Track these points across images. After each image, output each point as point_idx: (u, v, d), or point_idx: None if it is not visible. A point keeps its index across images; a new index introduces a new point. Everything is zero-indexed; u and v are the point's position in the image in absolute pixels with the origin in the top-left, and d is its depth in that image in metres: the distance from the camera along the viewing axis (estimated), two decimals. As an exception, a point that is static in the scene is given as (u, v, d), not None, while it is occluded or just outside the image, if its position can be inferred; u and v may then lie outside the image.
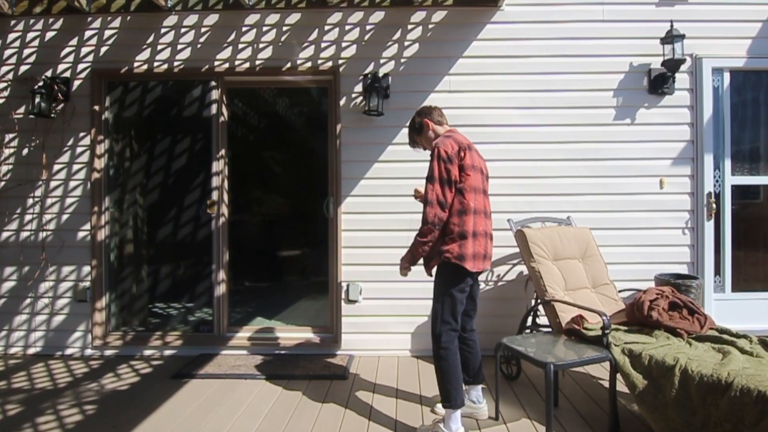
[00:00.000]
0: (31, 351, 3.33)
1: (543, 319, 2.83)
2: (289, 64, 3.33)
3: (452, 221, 2.04)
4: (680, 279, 2.95)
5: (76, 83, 3.36)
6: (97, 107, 3.36)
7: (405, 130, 3.25)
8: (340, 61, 3.31)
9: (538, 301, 2.71)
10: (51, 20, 3.37)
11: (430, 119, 2.26)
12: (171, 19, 3.35)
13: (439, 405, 2.24)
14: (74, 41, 3.37)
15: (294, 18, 3.32)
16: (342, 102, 3.30)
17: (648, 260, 3.23)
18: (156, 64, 3.36)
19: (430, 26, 3.31)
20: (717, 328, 2.34)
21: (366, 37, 3.32)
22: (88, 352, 3.32)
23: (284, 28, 3.33)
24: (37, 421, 2.32)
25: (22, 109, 3.35)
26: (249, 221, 5.25)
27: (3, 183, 3.34)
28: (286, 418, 2.34)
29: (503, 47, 3.29)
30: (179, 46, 3.36)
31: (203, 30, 3.35)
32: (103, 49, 3.37)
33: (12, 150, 3.36)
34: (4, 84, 3.37)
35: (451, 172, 2.02)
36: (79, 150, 3.36)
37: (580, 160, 3.26)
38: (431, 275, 2.17)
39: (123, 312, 3.64)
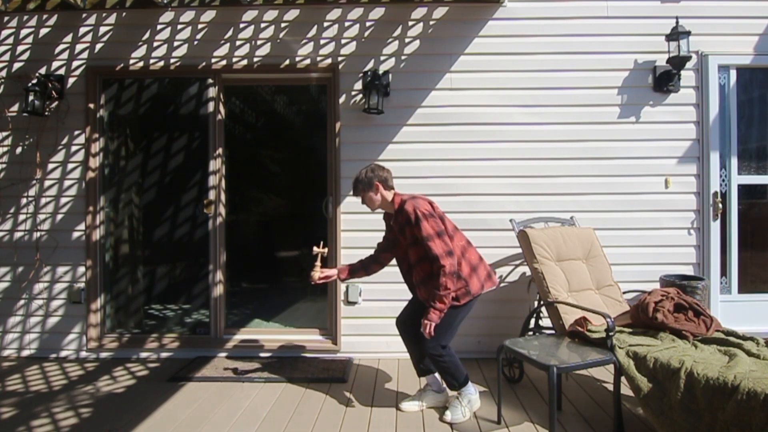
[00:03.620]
0: (25, 353, 3.29)
1: (546, 321, 2.80)
2: (287, 62, 3.28)
3: (461, 263, 2.23)
4: (686, 280, 2.92)
5: (71, 81, 3.31)
6: (92, 105, 3.31)
7: (406, 129, 3.26)
8: (340, 58, 3.27)
9: (541, 302, 2.67)
10: (45, 16, 3.33)
11: (383, 183, 2.33)
12: (167, 16, 3.30)
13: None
14: (68, 38, 3.33)
15: (292, 14, 3.28)
16: (341, 100, 3.26)
17: (653, 261, 3.19)
18: (152, 61, 3.31)
19: (431, 23, 3.26)
20: (723, 330, 2.33)
21: (366, 34, 3.27)
22: (83, 354, 3.28)
23: (282, 25, 3.29)
24: (31, 424, 2.29)
25: (15, 107, 3.31)
26: (247, 221, 5.21)
27: (-4, 182, 3.30)
28: (284, 421, 2.30)
29: (505, 44, 3.24)
30: (176, 43, 3.31)
31: (200, 26, 3.30)
32: (98, 46, 3.33)
33: (5, 148, 3.32)
34: (-3, 82, 3.32)
35: (440, 225, 2.19)
36: (73, 148, 3.31)
37: (584, 159, 3.22)
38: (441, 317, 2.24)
39: (118, 314, 3.60)
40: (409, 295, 3.15)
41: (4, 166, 3.31)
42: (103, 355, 3.28)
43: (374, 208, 2.39)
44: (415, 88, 3.24)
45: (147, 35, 3.31)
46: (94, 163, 3.32)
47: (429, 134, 3.24)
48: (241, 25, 3.29)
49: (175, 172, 4.30)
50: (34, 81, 3.20)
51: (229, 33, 3.29)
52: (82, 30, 3.32)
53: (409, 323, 2.43)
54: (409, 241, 2.25)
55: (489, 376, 2.85)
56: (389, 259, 2.49)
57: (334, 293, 3.27)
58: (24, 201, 3.30)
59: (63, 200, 3.30)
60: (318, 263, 2.43)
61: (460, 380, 2.30)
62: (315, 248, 2.46)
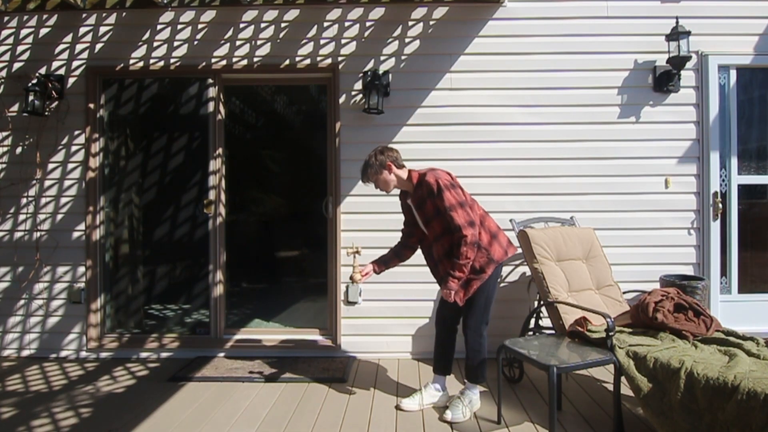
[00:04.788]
0: (25, 353, 3.29)
1: (546, 321, 2.80)
2: (287, 62, 3.28)
3: (480, 233, 2.25)
4: (686, 280, 2.93)
5: (71, 81, 3.31)
6: (92, 105, 3.31)
7: (406, 129, 3.26)
8: (340, 59, 3.27)
9: (541, 302, 2.67)
10: (45, 16, 3.32)
11: (394, 162, 2.32)
12: (167, 16, 3.30)
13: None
14: (68, 38, 3.33)
15: (292, 14, 3.28)
16: (341, 100, 3.26)
17: (653, 261, 3.19)
18: (152, 61, 3.31)
19: (431, 23, 3.26)
20: (723, 330, 2.33)
21: (366, 34, 3.27)
22: (83, 354, 3.28)
23: (282, 25, 3.28)
24: (31, 424, 2.29)
25: (15, 107, 3.31)
26: (247, 221, 5.21)
27: (-4, 182, 3.30)
28: (284, 421, 2.30)
29: (505, 44, 3.24)
30: (176, 43, 3.31)
31: (200, 26, 3.30)
32: (98, 46, 3.33)
33: (5, 148, 3.32)
34: (-2, 82, 3.32)
35: (461, 195, 2.22)
36: (73, 148, 3.31)
37: (584, 159, 3.22)
38: (466, 296, 2.27)
39: (118, 314, 3.60)
40: (408, 296, 3.17)
41: (4, 166, 3.31)
42: (103, 355, 3.28)
43: (390, 189, 2.36)
44: (415, 88, 3.24)
45: (147, 35, 3.31)
46: (94, 163, 3.32)
47: (429, 134, 3.24)
48: (241, 25, 3.29)
49: (175, 172, 4.29)
50: (34, 81, 3.20)
51: (229, 33, 3.29)
52: (82, 30, 3.32)
53: (449, 317, 2.43)
54: (430, 214, 2.25)
55: (489, 376, 2.83)
56: (417, 241, 2.48)
57: (334, 293, 3.27)
58: (24, 201, 3.30)
59: (63, 200, 3.30)
60: (355, 263, 2.41)
61: (477, 363, 2.32)
62: (347, 251, 2.46)
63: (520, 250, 3.14)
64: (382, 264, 2.48)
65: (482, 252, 2.23)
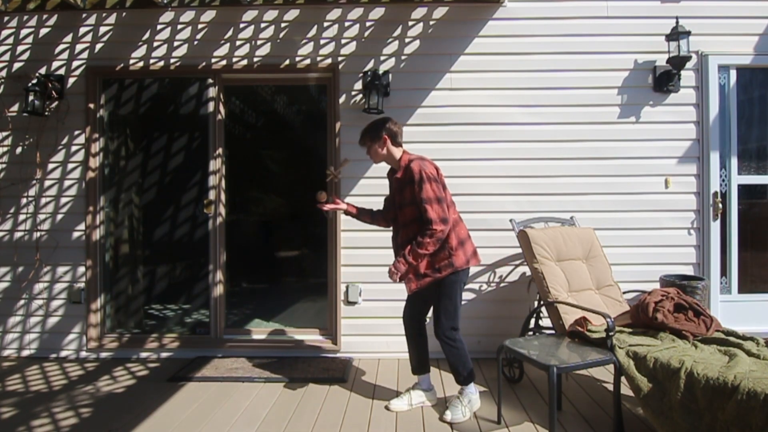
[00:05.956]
0: (25, 353, 3.29)
1: (546, 321, 2.80)
2: (287, 62, 3.28)
3: (450, 234, 2.24)
4: (686, 280, 2.92)
5: (71, 81, 3.31)
6: (92, 105, 3.31)
7: (406, 129, 3.24)
8: (340, 58, 3.27)
9: (541, 302, 2.67)
10: (45, 16, 3.33)
11: (391, 138, 2.35)
12: (167, 16, 3.30)
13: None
14: (68, 38, 3.33)
15: (292, 14, 3.28)
16: (341, 100, 3.26)
17: (653, 261, 3.19)
18: (152, 61, 3.31)
19: (431, 23, 3.26)
20: (723, 330, 2.33)
21: (366, 34, 3.27)
22: (83, 354, 3.28)
23: (282, 25, 3.29)
24: (31, 424, 2.29)
25: (15, 107, 3.31)
26: (247, 221, 5.21)
27: (-4, 182, 3.30)
28: (284, 421, 2.30)
29: (505, 44, 3.24)
30: (176, 43, 3.31)
31: (200, 26, 3.30)
32: (98, 46, 3.33)
33: (5, 148, 3.32)
34: (-3, 82, 3.32)
35: (441, 191, 2.23)
36: (73, 148, 3.31)
37: (584, 159, 3.22)
38: (418, 287, 2.28)
39: (118, 314, 3.60)
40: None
41: (4, 166, 3.31)
42: (103, 355, 3.28)
43: (377, 161, 2.41)
44: (415, 88, 3.24)
45: (147, 35, 3.31)
46: (94, 163, 3.32)
47: (429, 134, 3.24)
48: (241, 25, 3.29)
49: (175, 172, 4.30)
50: (34, 81, 3.20)
51: (229, 33, 3.29)
52: (82, 30, 3.32)
53: (414, 316, 2.45)
54: (407, 200, 2.25)
55: (489, 376, 2.85)
56: (392, 218, 2.48)
57: (334, 293, 3.27)
58: (24, 201, 3.30)
59: (63, 200, 3.30)
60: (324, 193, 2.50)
61: (467, 372, 2.31)
62: (328, 170, 2.60)
63: (511, 252, 3.16)
64: (356, 210, 2.52)
65: (445, 253, 2.22)
